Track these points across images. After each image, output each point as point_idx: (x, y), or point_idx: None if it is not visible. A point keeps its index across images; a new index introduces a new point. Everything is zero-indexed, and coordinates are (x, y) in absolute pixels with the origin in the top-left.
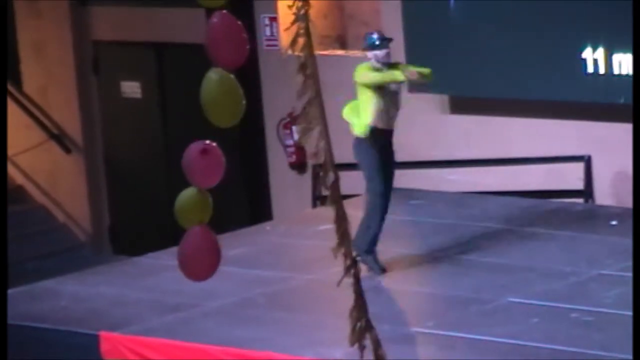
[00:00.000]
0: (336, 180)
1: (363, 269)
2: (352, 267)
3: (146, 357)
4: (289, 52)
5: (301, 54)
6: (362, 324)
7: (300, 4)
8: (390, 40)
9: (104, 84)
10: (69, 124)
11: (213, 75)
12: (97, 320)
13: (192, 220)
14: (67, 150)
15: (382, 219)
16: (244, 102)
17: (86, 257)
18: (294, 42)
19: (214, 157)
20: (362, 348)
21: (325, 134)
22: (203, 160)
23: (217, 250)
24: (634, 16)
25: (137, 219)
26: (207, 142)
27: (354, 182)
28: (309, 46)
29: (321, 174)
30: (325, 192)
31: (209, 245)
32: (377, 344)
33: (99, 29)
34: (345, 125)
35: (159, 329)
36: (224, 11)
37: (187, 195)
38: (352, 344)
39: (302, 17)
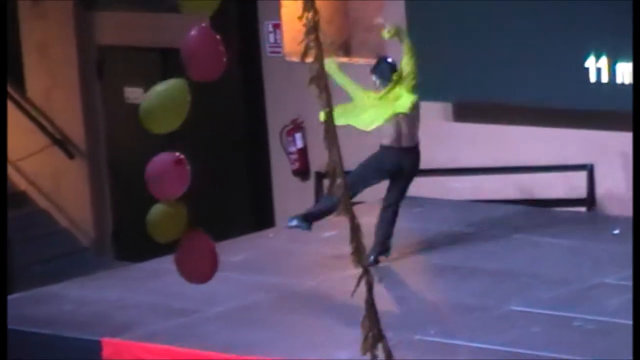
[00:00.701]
0: (346, 190)
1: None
2: (364, 276)
3: None
4: (294, 59)
5: (312, 64)
6: (373, 334)
7: (310, 15)
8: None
9: (107, 89)
10: (73, 129)
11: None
12: (100, 324)
13: (167, 235)
14: (71, 156)
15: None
16: (185, 110)
17: (89, 262)
18: (305, 54)
19: (185, 167)
20: (374, 358)
21: (335, 143)
22: (176, 170)
23: (214, 254)
24: (634, 23)
25: (140, 225)
26: (176, 153)
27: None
28: (320, 58)
29: (330, 182)
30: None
31: (204, 248)
32: (389, 354)
33: (104, 34)
34: (350, 131)
35: (162, 334)
36: (204, 25)
37: (159, 211)
38: (364, 353)
39: (312, 29)
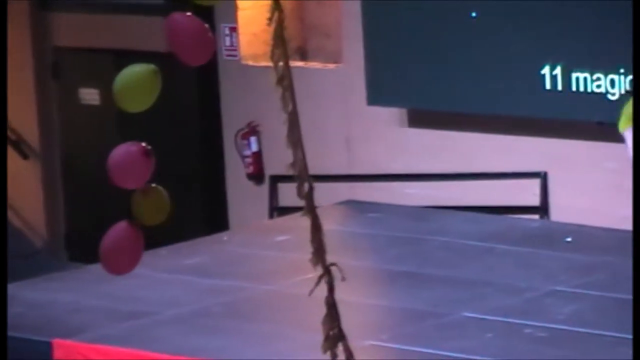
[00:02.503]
0: (311, 190)
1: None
2: (324, 276)
3: None
4: (250, 62)
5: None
6: (334, 333)
7: (277, 14)
8: None
9: (62, 90)
10: (27, 130)
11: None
12: (52, 327)
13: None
14: (24, 156)
15: None
16: (156, 90)
17: (41, 264)
18: (272, 54)
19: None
20: (334, 356)
21: (300, 144)
22: (145, 161)
23: (140, 245)
24: (634, 25)
25: (94, 226)
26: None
27: (314, 193)
28: (286, 58)
29: (297, 183)
30: (284, 203)
31: (131, 239)
32: (349, 354)
33: (59, 35)
34: (307, 135)
35: (114, 337)
36: (189, 13)
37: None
38: (325, 352)
39: (278, 28)
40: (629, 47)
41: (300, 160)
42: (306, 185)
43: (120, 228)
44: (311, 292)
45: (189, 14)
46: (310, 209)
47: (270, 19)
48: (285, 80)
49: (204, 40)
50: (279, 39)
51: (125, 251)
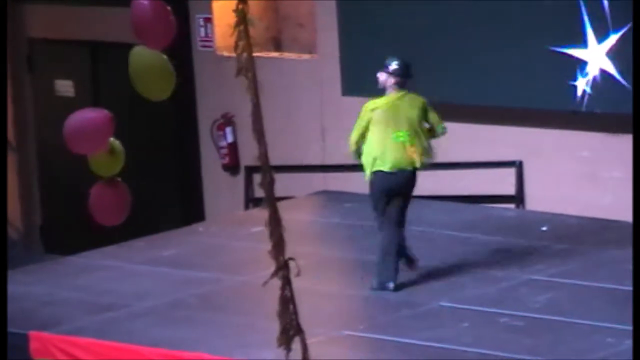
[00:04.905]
0: (271, 183)
1: (294, 271)
2: (281, 269)
3: (76, 357)
4: (225, 53)
5: (240, 57)
6: (290, 327)
7: (240, 6)
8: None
9: (37, 82)
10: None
11: (142, 51)
12: (27, 319)
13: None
14: None
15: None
16: (174, 77)
17: (17, 256)
18: (236, 46)
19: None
20: (288, 350)
21: (261, 136)
22: (109, 128)
23: (127, 199)
24: (634, 24)
25: (69, 218)
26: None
27: (289, 184)
28: (249, 49)
29: (263, 175)
30: (259, 194)
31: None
32: (304, 348)
33: (34, 27)
34: (282, 126)
35: (89, 329)
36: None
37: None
38: (280, 346)
39: (241, 20)
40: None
41: (261, 152)
42: (267, 177)
43: (98, 187)
44: (265, 283)
45: None
46: (271, 202)
47: (235, 11)
48: (248, 72)
49: (165, 22)
50: (243, 31)
51: (110, 204)
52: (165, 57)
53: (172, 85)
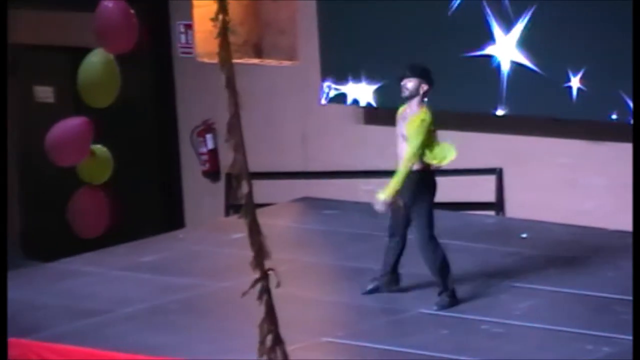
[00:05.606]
0: (249, 193)
1: (274, 281)
2: (261, 279)
3: None
4: (205, 59)
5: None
6: (271, 337)
7: (221, 17)
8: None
9: (17, 88)
10: None
11: (94, 58)
12: (8, 325)
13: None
14: None
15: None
16: (119, 83)
17: None
18: (219, 56)
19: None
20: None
21: (240, 144)
22: (89, 134)
23: (105, 209)
24: (633, 24)
25: (49, 224)
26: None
27: (271, 191)
28: (229, 60)
29: (234, 184)
30: (239, 201)
31: (98, 203)
32: (285, 358)
33: (14, 32)
34: (263, 133)
35: (70, 335)
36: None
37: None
38: (260, 356)
39: (222, 31)
40: (584, 44)
41: (239, 160)
42: (245, 187)
43: (82, 193)
44: (244, 294)
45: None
46: (250, 211)
47: (214, 19)
48: (230, 82)
49: (128, 25)
50: (224, 42)
51: (90, 213)
52: (114, 64)
53: (113, 94)
